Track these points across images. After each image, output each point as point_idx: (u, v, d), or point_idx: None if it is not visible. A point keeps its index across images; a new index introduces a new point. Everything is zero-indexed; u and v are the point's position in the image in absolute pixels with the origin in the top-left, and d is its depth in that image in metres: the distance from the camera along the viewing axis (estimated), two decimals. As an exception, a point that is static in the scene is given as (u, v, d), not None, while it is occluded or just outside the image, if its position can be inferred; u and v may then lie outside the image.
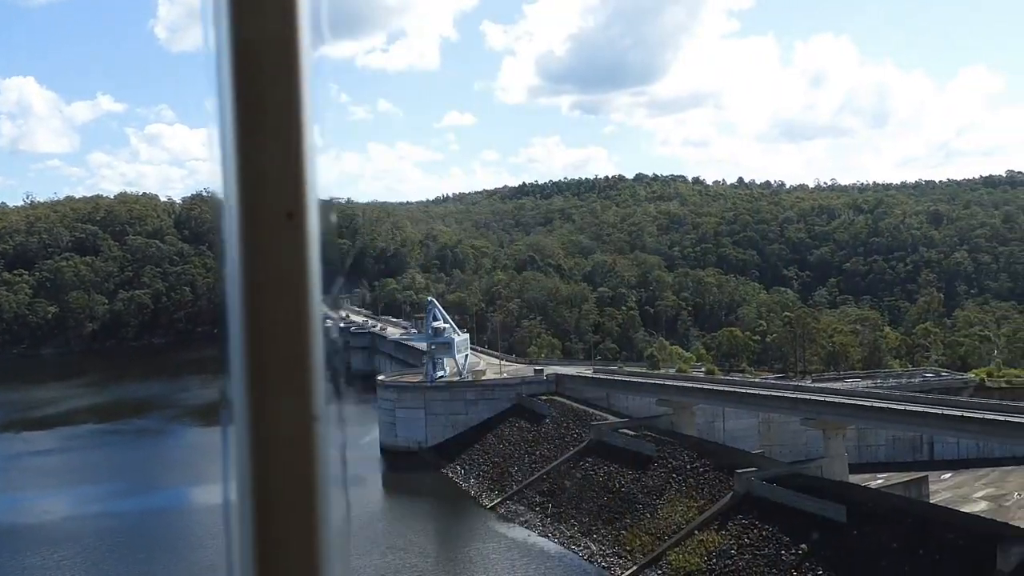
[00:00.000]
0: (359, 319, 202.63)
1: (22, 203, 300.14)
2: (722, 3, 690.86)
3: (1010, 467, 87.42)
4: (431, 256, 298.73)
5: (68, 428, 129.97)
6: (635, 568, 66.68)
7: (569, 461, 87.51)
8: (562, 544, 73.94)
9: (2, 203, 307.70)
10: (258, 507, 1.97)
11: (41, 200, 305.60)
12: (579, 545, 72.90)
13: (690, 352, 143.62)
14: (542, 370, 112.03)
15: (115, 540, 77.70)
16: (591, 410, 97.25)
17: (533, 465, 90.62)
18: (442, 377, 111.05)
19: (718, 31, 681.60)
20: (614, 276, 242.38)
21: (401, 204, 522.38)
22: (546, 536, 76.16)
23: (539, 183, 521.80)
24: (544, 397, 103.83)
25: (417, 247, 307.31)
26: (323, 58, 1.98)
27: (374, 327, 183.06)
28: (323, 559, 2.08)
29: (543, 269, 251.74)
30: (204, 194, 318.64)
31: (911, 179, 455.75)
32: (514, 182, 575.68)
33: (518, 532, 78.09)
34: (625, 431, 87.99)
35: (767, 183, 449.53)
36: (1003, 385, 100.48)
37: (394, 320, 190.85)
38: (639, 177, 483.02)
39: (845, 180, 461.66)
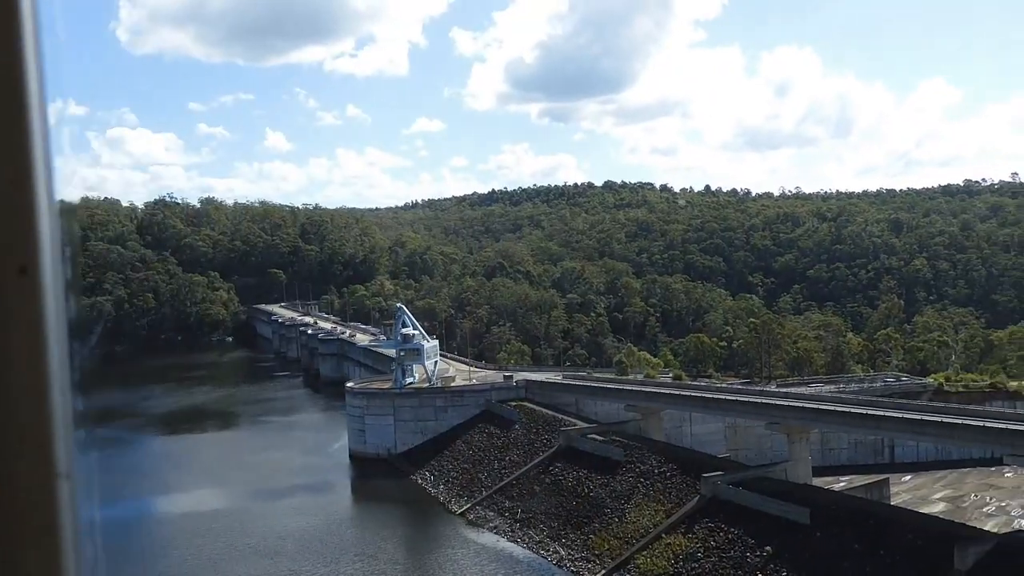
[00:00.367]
0: (328, 325, 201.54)
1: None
2: (689, 13, 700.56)
3: (967, 469, 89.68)
4: (400, 262, 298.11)
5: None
6: (603, 572, 67.20)
7: (538, 467, 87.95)
8: (531, 549, 74.29)
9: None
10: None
11: None
12: (548, 550, 73.30)
13: (658, 358, 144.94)
14: (511, 376, 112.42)
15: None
16: (560, 416, 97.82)
17: (502, 471, 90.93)
18: (411, 384, 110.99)
19: (685, 40, 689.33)
20: (583, 283, 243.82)
21: (370, 210, 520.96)
22: (515, 541, 76.46)
23: (508, 190, 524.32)
24: (513, 403, 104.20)
25: (386, 253, 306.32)
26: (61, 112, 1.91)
27: (343, 334, 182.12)
28: None
29: (512, 275, 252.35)
30: (168, 199, 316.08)
31: (872, 188, 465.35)
32: (483, 189, 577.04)
33: (487, 538, 78.31)
34: (594, 436, 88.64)
35: (733, 191, 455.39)
36: (960, 389, 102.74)
37: (363, 327, 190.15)
38: (608, 184, 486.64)
39: (809, 188, 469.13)
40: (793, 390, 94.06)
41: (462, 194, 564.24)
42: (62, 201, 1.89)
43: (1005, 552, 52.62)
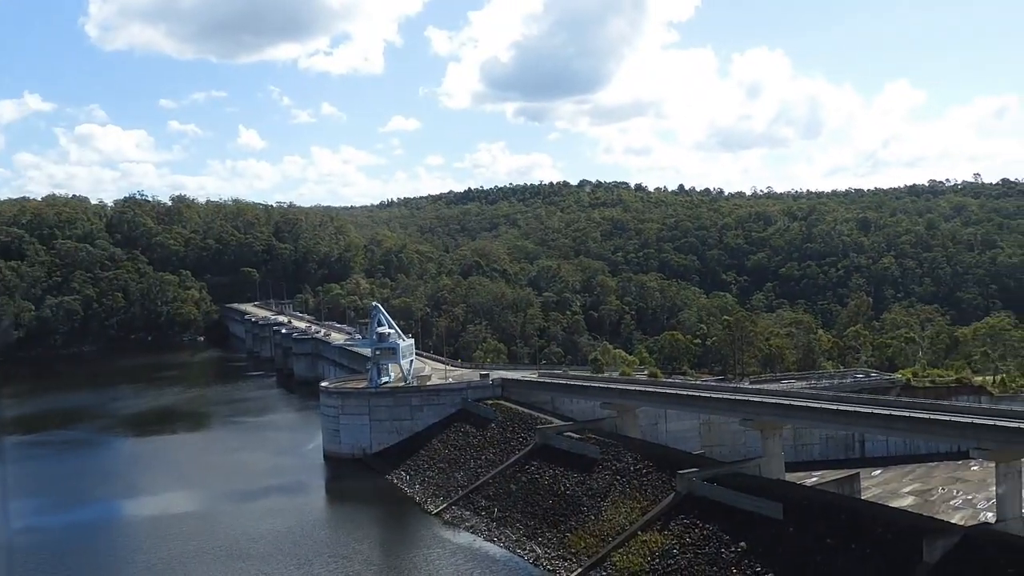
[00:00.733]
0: (302, 325, 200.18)
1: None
2: (663, 15, 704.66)
3: (935, 463, 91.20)
4: (375, 261, 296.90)
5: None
6: (580, 570, 67.38)
7: (514, 465, 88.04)
8: (507, 548, 74.32)
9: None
10: None
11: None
12: (524, 549, 73.39)
13: (633, 355, 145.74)
14: (488, 375, 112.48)
15: (39, 558, 75.04)
16: (536, 414, 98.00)
17: (479, 470, 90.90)
18: (387, 383, 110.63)
19: (659, 42, 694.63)
20: (559, 281, 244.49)
21: (345, 208, 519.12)
22: (491, 541, 76.45)
23: (484, 188, 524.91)
24: (490, 402, 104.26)
25: (361, 252, 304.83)
26: None
27: (317, 333, 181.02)
28: None
29: (488, 274, 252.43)
30: (138, 197, 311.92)
31: (841, 187, 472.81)
32: (459, 187, 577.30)
33: (463, 537, 78.23)
34: (570, 434, 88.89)
35: (707, 191, 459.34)
36: (927, 385, 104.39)
37: (338, 326, 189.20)
38: (583, 183, 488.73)
39: (780, 188, 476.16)
40: (766, 387, 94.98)
41: (438, 193, 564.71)
42: None
43: (971, 545, 53.51)
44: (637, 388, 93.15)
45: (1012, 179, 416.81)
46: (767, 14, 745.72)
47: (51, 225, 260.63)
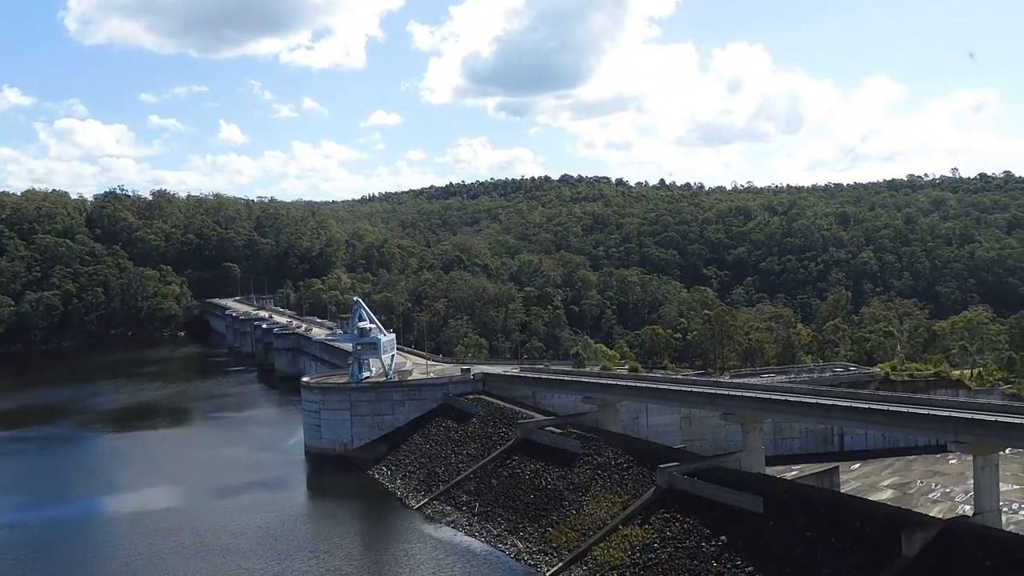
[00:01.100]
0: (283, 320, 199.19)
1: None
2: (643, 10, 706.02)
3: (913, 456, 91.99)
4: (357, 256, 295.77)
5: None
6: (561, 565, 67.51)
7: (496, 460, 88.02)
8: (489, 543, 74.32)
9: None
10: None
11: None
12: (506, 543, 73.42)
13: (614, 350, 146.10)
14: (469, 369, 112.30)
15: (18, 554, 74.41)
16: (518, 408, 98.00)
17: (460, 465, 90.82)
18: (368, 378, 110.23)
19: (640, 37, 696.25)
20: (540, 276, 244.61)
21: (326, 203, 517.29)
22: (473, 535, 76.43)
23: (466, 183, 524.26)
24: (471, 396, 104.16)
25: (343, 247, 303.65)
26: None
27: (299, 328, 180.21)
28: None
29: (470, 269, 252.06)
30: (118, 191, 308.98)
31: (821, 182, 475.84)
32: (441, 182, 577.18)
33: (445, 532, 78.16)
34: (551, 429, 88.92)
35: (687, 185, 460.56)
36: (906, 378, 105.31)
37: (319, 320, 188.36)
38: (564, 178, 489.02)
39: (760, 183, 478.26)
40: (746, 381, 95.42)
41: (419, 187, 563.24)
42: None
43: (950, 537, 54.07)
44: (618, 382, 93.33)
45: (989, 173, 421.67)
46: (747, 9, 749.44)
47: (30, 220, 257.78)
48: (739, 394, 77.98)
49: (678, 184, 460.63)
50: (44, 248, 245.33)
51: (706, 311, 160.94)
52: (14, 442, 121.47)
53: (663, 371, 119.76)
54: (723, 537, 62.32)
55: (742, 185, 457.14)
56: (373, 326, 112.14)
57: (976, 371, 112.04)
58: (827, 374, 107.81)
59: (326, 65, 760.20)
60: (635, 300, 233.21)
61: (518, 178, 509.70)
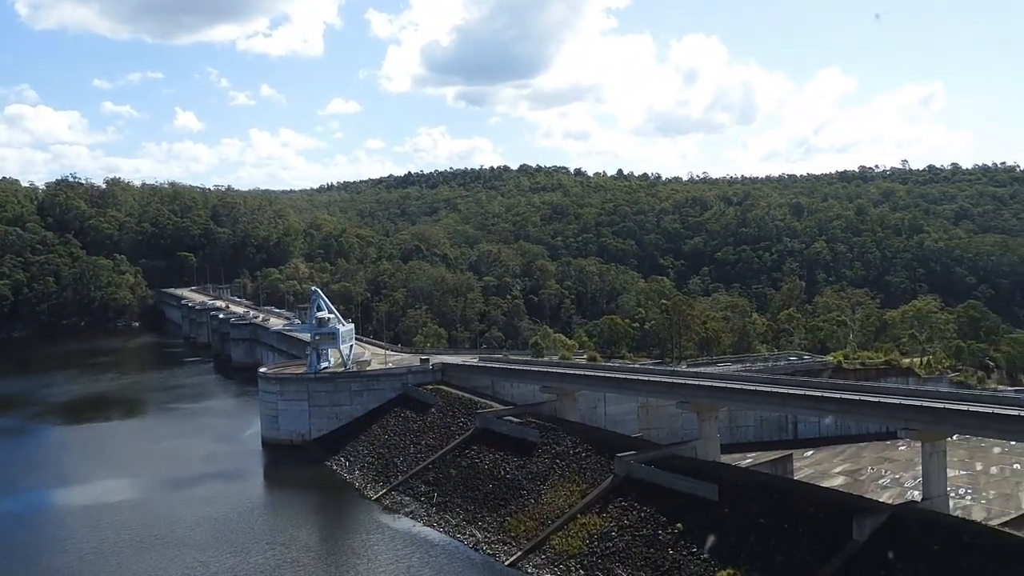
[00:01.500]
0: (240, 310, 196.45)
1: None
2: (602, 1, 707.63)
3: (864, 443, 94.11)
4: (315, 245, 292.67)
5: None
6: (519, 554, 67.81)
7: (455, 450, 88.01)
8: (447, 533, 74.35)
9: None
10: None
11: None
12: (465, 533, 73.51)
13: (573, 339, 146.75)
14: (428, 359, 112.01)
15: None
16: (477, 398, 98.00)
17: (419, 455, 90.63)
18: (326, 368, 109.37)
19: (598, 28, 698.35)
20: (499, 265, 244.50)
21: (284, 192, 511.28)
22: (431, 526, 76.38)
23: (425, 173, 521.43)
24: (430, 386, 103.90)
25: (300, 236, 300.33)
26: None
27: (256, 318, 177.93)
28: None
29: (429, 259, 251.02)
30: (71, 179, 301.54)
31: (775, 173, 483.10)
32: (400, 171, 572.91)
33: (403, 523, 77.98)
34: (510, 418, 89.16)
35: (645, 175, 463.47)
36: (857, 367, 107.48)
37: (277, 311, 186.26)
38: (523, 168, 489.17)
39: (716, 173, 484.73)
40: (702, 370, 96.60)
41: (378, 176, 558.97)
42: None
43: (899, 522, 55.45)
44: (577, 372, 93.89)
45: (938, 165, 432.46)
46: (704, 1, 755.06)
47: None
48: (695, 383, 78.93)
49: (636, 174, 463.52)
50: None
51: (663, 301, 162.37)
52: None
53: (621, 360, 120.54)
54: (679, 525, 63.12)
55: (698, 176, 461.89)
56: (332, 316, 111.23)
57: (925, 359, 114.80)
58: (782, 363, 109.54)
59: (284, 53, 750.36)
60: (593, 290, 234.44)
61: (477, 168, 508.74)
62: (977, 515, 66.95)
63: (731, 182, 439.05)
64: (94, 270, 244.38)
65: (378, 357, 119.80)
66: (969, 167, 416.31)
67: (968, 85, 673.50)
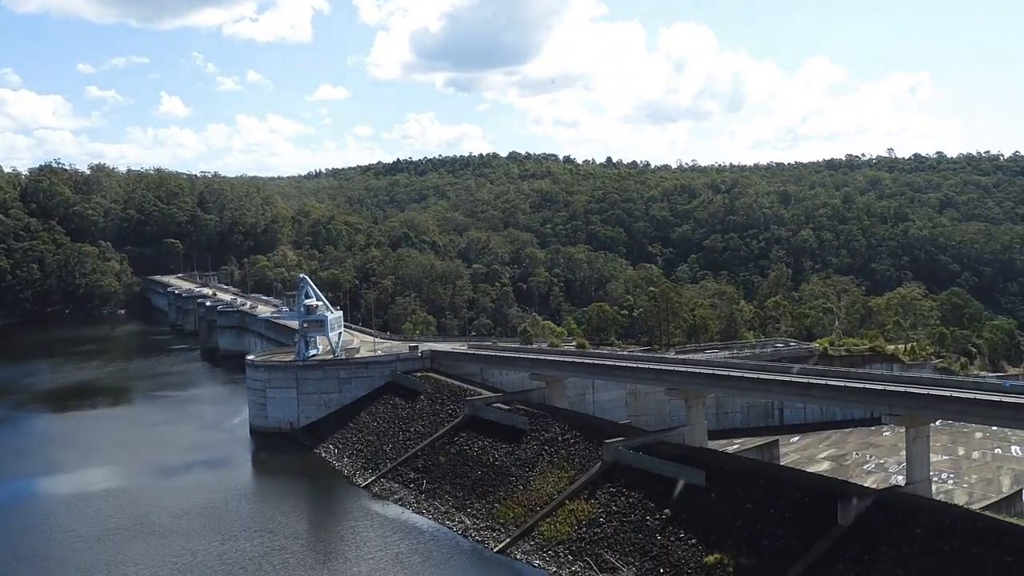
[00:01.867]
0: (227, 297, 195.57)
1: None
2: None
3: (849, 429, 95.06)
4: (303, 232, 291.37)
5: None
6: (508, 540, 68.18)
7: (444, 437, 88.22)
8: (436, 520, 74.61)
9: None
10: None
11: None
12: (453, 520, 73.80)
13: (562, 327, 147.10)
14: (417, 347, 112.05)
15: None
16: (466, 386, 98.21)
17: (408, 442, 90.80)
18: (315, 356, 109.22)
19: (588, 15, 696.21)
20: (488, 253, 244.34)
21: (272, 179, 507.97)
22: (420, 513, 76.63)
23: (414, 159, 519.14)
24: (419, 374, 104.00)
25: (289, 223, 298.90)
26: None
27: (243, 305, 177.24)
28: None
29: (418, 246, 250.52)
30: (55, 164, 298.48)
31: (763, 161, 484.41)
32: (388, 158, 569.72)
33: (392, 510, 78.20)
34: (499, 405, 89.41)
35: (634, 163, 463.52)
36: (843, 353, 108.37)
37: (265, 298, 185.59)
38: (512, 155, 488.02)
39: (705, 161, 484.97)
40: (690, 357, 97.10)
41: (367, 163, 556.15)
42: None
43: (883, 506, 56.09)
44: (565, 359, 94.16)
45: (923, 154, 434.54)
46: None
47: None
48: (683, 370, 79.33)
49: (625, 162, 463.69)
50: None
51: (651, 288, 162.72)
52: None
53: (609, 348, 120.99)
54: (667, 510, 63.63)
55: (687, 163, 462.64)
56: (320, 303, 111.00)
57: (909, 346, 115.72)
58: (769, 350, 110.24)
59: (271, 38, 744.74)
60: (582, 277, 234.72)
61: (466, 155, 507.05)
62: (959, 499, 67.86)
63: (719, 170, 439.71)
64: (79, 257, 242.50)
65: (367, 344, 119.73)
66: (954, 156, 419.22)
67: (956, 74, 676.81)
